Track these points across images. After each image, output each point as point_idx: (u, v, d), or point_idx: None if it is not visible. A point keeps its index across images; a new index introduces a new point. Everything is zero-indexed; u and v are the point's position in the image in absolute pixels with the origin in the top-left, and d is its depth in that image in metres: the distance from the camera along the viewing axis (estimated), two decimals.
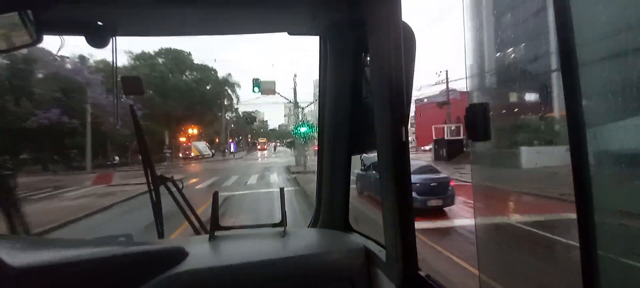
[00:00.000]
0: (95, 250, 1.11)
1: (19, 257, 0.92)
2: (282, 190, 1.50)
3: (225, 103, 43.55)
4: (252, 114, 72.79)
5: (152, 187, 1.46)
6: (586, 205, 0.52)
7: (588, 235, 0.52)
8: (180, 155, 32.38)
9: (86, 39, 1.24)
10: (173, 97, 30.41)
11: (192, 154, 33.97)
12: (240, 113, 58.82)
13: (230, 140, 45.78)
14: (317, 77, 1.56)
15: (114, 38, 1.29)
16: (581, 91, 0.52)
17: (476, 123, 0.85)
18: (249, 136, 68.52)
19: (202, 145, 35.84)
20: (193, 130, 34.68)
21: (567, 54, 0.53)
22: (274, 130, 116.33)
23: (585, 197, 0.52)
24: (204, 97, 36.12)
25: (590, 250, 0.52)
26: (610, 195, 0.55)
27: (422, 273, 1.05)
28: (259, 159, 35.55)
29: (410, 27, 1.06)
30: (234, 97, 45.39)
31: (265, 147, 62.45)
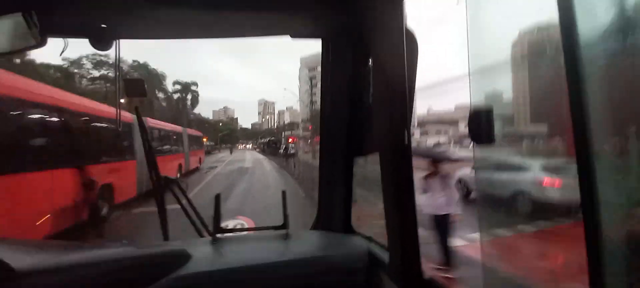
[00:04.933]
0: (98, 253, 1.11)
1: (21, 260, 0.92)
2: (284, 192, 1.50)
3: None
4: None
5: (157, 189, 1.45)
6: (592, 202, 0.53)
7: (594, 235, 0.53)
8: None
9: (90, 42, 1.24)
10: None
11: None
12: None
13: None
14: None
15: (117, 41, 1.29)
16: (587, 92, 0.54)
17: (480, 127, 0.87)
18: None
19: None
20: None
21: (572, 54, 0.55)
22: (246, 129, 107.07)
23: (591, 196, 0.53)
24: None
25: (595, 247, 0.54)
26: (614, 193, 0.57)
27: (426, 277, 1.06)
28: None
29: (412, 32, 1.06)
30: None
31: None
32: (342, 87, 1.50)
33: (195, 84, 49.50)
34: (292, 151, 29.97)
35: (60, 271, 0.95)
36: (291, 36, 1.48)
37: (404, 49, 1.01)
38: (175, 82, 46.96)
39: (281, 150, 30.77)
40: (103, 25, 1.23)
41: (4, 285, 0.84)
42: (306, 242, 1.44)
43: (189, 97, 48.14)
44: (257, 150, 57.13)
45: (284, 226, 1.41)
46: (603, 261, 0.53)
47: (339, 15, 1.33)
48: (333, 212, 1.61)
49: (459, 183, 10.61)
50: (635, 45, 0.52)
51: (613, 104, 0.56)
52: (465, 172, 10.17)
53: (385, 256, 1.20)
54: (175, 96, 45.96)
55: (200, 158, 19.82)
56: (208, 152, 43.82)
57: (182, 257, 1.13)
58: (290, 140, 40.54)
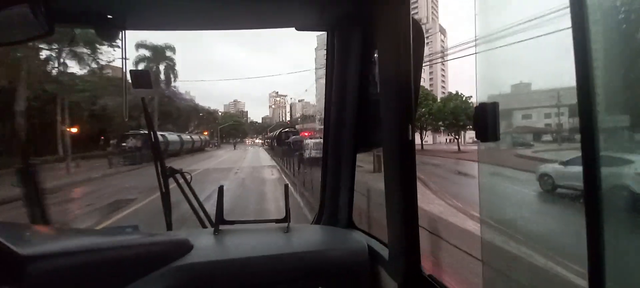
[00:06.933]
0: (102, 240, 1.14)
1: (27, 245, 0.94)
2: (286, 186, 1.50)
3: None
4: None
5: (161, 179, 1.48)
6: (595, 204, 0.52)
7: (596, 234, 0.52)
8: None
9: (96, 32, 1.25)
10: None
11: None
12: None
13: None
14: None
15: (123, 31, 1.30)
16: (595, 91, 0.51)
17: (485, 123, 0.83)
18: None
19: None
20: None
21: (581, 53, 0.52)
22: (255, 122, 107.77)
23: (595, 197, 0.52)
24: None
25: (597, 245, 0.52)
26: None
27: (424, 273, 1.05)
28: None
29: (419, 24, 1.04)
30: None
31: None
32: (348, 80, 1.48)
33: (172, 49, 30.47)
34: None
35: (64, 256, 0.97)
36: (296, 28, 1.46)
37: (410, 42, 0.98)
38: (139, 45, 28.91)
39: (297, 152, 18.11)
40: (109, 16, 1.24)
41: (9, 269, 0.87)
42: (307, 236, 1.44)
43: (162, 68, 30.37)
44: (265, 146, 44.69)
45: (286, 219, 1.41)
46: (603, 255, 0.52)
47: (344, 6, 1.31)
48: (335, 207, 1.60)
49: (543, 178, 10.12)
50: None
51: (622, 100, 0.52)
52: (551, 166, 9.20)
53: (384, 252, 1.19)
54: (140, 67, 27.57)
55: None
56: (200, 150, 34.76)
57: (184, 247, 1.14)
58: (305, 134, 28.83)
